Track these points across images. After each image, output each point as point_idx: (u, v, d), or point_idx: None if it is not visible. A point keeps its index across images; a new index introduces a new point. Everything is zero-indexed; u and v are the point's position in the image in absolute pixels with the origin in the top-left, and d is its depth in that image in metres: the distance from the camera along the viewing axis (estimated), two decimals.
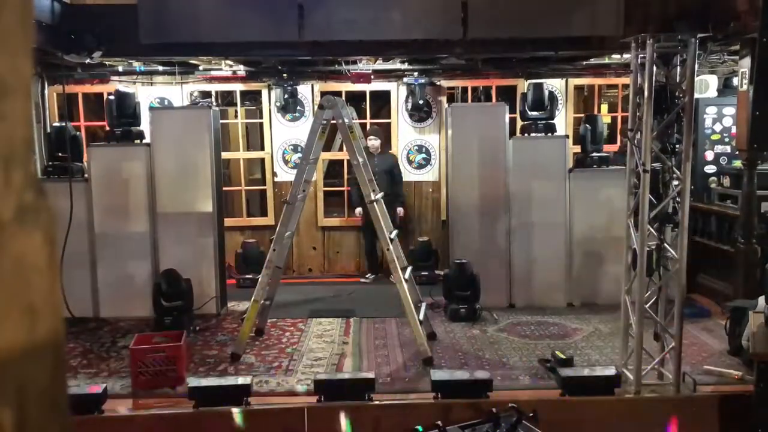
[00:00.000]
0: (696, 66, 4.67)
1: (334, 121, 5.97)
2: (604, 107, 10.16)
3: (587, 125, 7.65)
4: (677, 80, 4.84)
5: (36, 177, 0.60)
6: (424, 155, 8.95)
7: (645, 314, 4.92)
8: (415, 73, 8.64)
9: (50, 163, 7.47)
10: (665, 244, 4.91)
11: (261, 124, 9.08)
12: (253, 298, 6.10)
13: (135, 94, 8.15)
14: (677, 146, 4.84)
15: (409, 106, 8.72)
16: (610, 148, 8.44)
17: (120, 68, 8.23)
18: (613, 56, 8.14)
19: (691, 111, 4.62)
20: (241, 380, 4.93)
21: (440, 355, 6.00)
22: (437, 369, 5.48)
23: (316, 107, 8.79)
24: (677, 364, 4.82)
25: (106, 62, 7.70)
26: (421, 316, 5.98)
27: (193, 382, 4.87)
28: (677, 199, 4.84)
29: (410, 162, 8.98)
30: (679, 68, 4.86)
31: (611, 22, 6.47)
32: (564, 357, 5.55)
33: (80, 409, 4.35)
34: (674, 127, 4.86)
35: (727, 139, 8.23)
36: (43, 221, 0.59)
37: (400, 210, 8.40)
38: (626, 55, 7.94)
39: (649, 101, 4.62)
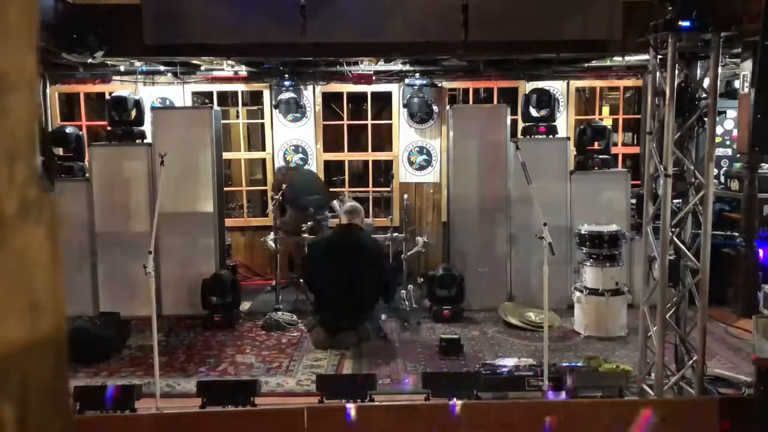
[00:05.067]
0: (720, 67, 4.56)
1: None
2: (606, 109, 10.15)
3: (589, 127, 7.66)
4: (696, 80, 4.72)
5: (39, 173, 0.60)
6: (425, 157, 8.95)
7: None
8: (417, 75, 8.64)
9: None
10: (688, 253, 4.74)
11: (262, 124, 9.08)
12: None
13: (135, 92, 8.17)
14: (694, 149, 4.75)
15: (415, 108, 8.70)
16: (615, 150, 8.44)
17: (122, 68, 8.24)
18: (615, 58, 8.15)
19: (715, 112, 4.48)
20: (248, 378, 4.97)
21: (440, 357, 6.00)
22: (434, 370, 5.49)
23: (317, 108, 8.83)
24: (700, 377, 4.71)
25: (108, 62, 7.71)
26: None
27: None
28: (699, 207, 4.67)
29: (411, 163, 8.98)
30: (699, 69, 4.76)
31: (610, 25, 6.48)
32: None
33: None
34: (695, 130, 4.76)
35: (728, 142, 8.23)
36: (47, 217, 0.60)
37: None
38: (628, 57, 7.97)
39: (671, 103, 4.47)
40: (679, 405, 4.72)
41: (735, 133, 7.89)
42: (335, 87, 8.85)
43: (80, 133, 7.88)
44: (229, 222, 8.65)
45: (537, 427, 4.35)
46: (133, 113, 7.56)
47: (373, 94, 8.89)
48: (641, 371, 5.07)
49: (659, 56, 4.66)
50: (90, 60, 6.77)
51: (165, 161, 5.10)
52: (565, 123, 8.72)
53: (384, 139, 9.22)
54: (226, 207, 8.60)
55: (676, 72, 4.50)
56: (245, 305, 7.55)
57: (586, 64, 8.46)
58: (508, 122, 7.52)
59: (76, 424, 0.71)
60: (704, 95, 4.63)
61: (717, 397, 4.71)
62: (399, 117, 8.90)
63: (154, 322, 4.80)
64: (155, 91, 8.73)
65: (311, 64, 8.33)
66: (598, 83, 9.00)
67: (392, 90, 8.85)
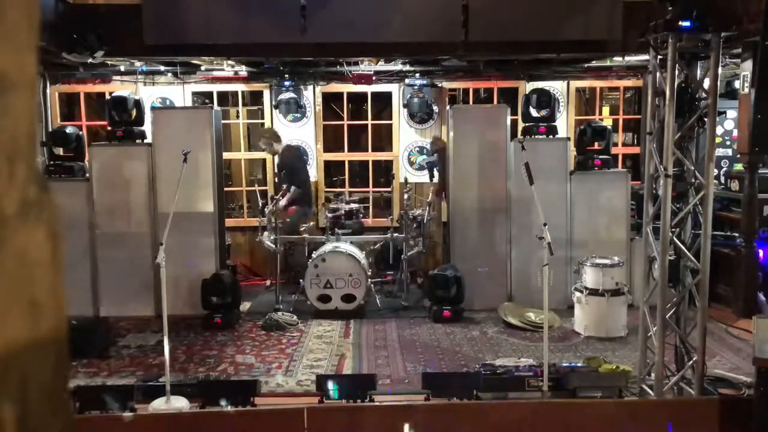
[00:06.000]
0: (720, 67, 4.56)
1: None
2: (606, 110, 10.15)
3: (589, 127, 7.66)
4: (696, 81, 4.73)
5: (39, 172, 0.60)
6: (425, 157, 8.95)
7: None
8: (417, 75, 8.64)
9: (51, 162, 7.48)
10: (687, 254, 4.75)
11: (262, 124, 9.08)
12: None
13: (136, 92, 8.17)
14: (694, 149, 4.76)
15: (415, 108, 8.70)
16: (615, 151, 8.44)
17: (122, 68, 8.24)
18: (615, 58, 8.15)
19: (715, 112, 4.48)
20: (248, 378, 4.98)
21: (440, 357, 6.00)
22: (432, 371, 5.49)
23: (317, 108, 8.83)
24: (700, 377, 4.71)
25: (108, 62, 7.71)
26: None
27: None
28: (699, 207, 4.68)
29: (411, 163, 8.98)
30: (699, 69, 4.76)
31: (610, 26, 6.48)
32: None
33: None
34: (695, 130, 4.77)
35: (728, 143, 8.23)
36: (47, 216, 0.60)
37: None
38: (628, 58, 7.97)
39: (671, 103, 4.47)
40: (679, 405, 4.72)
41: (735, 133, 7.89)
42: (335, 87, 8.85)
43: (80, 133, 7.88)
44: (229, 222, 8.65)
45: (537, 427, 4.35)
46: (133, 113, 7.56)
47: (373, 94, 8.89)
48: (641, 371, 5.07)
49: (659, 56, 4.66)
50: (90, 60, 6.78)
51: (187, 158, 5.29)
52: (565, 123, 8.72)
53: (384, 139, 9.22)
54: (226, 207, 8.60)
55: (676, 72, 4.49)
56: (245, 305, 7.55)
57: (586, 65, 8.47)
58: (508, 122, 7.52)
59: (76, 424, 0.71)
60: (704, 95, 4.63)
61: (717, 397, 4.71)
62: (399, 117, 8.90)
63: (165, 314, 4.80)
64: (155, 91, 8.73)
65: (311, 64, 8.34)
66: (598, 83, 9.00)
67: (392, 90, 8.85)
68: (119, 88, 8.39)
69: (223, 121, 8.32)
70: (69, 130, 7.65)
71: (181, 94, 8.73)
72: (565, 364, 5.39)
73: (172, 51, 7.06)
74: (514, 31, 6.66)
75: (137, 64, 8.10)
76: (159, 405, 4.72)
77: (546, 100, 7.61)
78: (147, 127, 7.60)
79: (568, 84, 8.82)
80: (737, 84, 7.26)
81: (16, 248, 0.57)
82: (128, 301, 7.15)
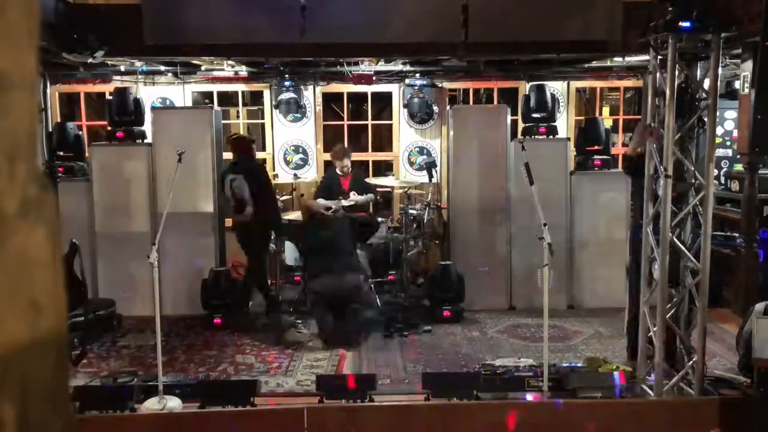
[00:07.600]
0: (720, 68, 4.56)
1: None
2: (606, 110, 10.15)
3: (589, 128, 7.65)
4: (696, 81, 4.73)
5: (40, 171, 0.60)
6: (425, 157, 8.95)
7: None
8: (417, 75, 8.64)
9: (51, 162, 7.48)
10: (687, 254, 4.76)
11: (262, 124, 9.08)
12: None
13: (136, 92, 8.16)
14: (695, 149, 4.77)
15: (415, 108, 8.70)
16: (615, 151, 8.44)
17: (122, 68, 8.23)
18: (615, 59, 8.14)
19: (715, 113, 4.50)
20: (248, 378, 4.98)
21: (440, 358, 6.00)
22: (432, 371, 5.49)
23: (317, 108, 8.83)
24: (700, 377, 4.72)
25: (108, 62, 7.71)
26: None
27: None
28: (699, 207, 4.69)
29: (411, 164, 8.97)
30: (699, 69, 4.76)
31: (610, 26, 6.47)
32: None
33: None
34: (695, 130, 4.77)
35: (728, 143, 8.22)
36: (47, 216, 0.60)
37: None
38: (628, 58, 7.96)
39: (671, 103, 4.47)
40: (679, 405, 4.72)
41: (735, 133, 7.89)
42: (335, 87, 8.84)
43: (80, 132, 7.88)
44: (229, 222, 8.64)
45: (537, 427, 4.36)
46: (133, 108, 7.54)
47: (374, 94, 8.88)
48: (641, 371, 5.07)
49: (659, 57, 4.66)
50: (90, 60, 6.77)
51: (181, 159, 5.27)
52: (565, 123, 8.72)
53: (384, 139, 9.22)
54: (226, 207, 8.59)
55: (677, 72, 4.49)
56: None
57: (586, 65, 8.46)
58: (509, 122, 7.52)
59: (76, 424, 0.71)
60: (704, 96, 4.63)
61: (717, 397, 4.71)
62: (399, 117, 8.89)
63: (158, 315, 4.80)
64: (155, 90, 8.72)
65: (311, 65, 8.33)
66: (599, 84, 8.99)
67: (392, 90, 8.84)
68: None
69: (223, 121, 8.31)
70: (69, 129, 7.64)
71: (181, 94, 8.73)
72: (565, 364, 5.39)
73: (172, 51, 7.05)
74: (514, 31, 6.65)
75: (137, 64, 8.10)
76: (152, 405, 4.72)
77: (541, 99, 7.63)
78: (147, 127, 7.60)
79: (568, 84, 8.81)
80: (737, 84, 7.26)
81: (16, 248, 0.57)
82: (128, 300, 7.14)
